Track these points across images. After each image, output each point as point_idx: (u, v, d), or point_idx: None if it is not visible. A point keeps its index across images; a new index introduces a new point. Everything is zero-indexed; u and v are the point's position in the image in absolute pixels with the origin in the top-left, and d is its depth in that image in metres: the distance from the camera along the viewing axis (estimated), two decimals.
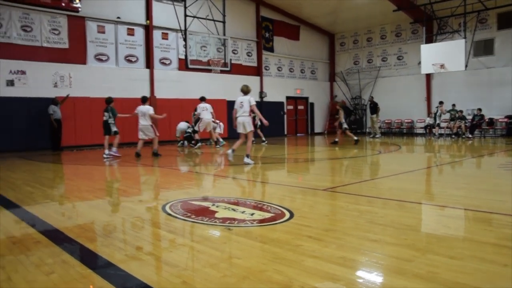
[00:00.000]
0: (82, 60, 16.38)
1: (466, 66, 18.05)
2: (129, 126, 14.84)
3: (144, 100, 12.14)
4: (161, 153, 12.35)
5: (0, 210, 5.24)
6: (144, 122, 11.85)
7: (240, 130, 9.78)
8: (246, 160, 9.61)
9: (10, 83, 14.59)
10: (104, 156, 11.81)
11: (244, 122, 9.65)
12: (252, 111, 9.71)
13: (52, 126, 14.74)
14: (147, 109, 11.92)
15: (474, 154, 12.02)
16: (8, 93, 14.48)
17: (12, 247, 3.56)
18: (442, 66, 18.29)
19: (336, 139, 15.74)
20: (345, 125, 15.74)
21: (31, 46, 15.15)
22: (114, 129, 12.07)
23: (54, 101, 14.87)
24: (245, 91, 9.76)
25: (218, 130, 15.86)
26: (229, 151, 10.00)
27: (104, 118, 12.05)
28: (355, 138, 15.35)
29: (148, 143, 13.23)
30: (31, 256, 3.32)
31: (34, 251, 3.45)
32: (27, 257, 3.29)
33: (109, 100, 12.15)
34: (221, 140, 15.73)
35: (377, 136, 20.18)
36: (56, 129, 14.87)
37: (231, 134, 19.92)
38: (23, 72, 14.86)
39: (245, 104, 9.56)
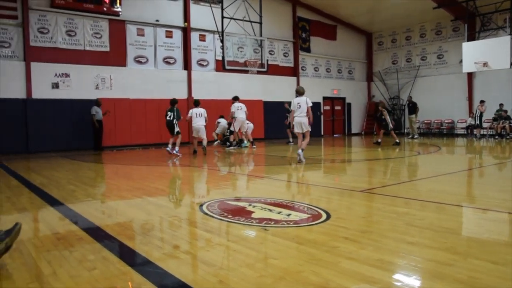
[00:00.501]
0: (122, 63, 16.82)
1: (511, 64, 17.35)
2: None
3: (197, 104, 13.22)
4: (197, 153, 12.78)
5: (45, 207, 5.47)
6: (200, 122, 12.86)
7: (298, 130, 10.08)
8: (300, 152, 9.94)
9: (55, 85, 15.18)
10: (174, 152, 12.69)
11: (302, 122, 9.95)
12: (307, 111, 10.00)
13: (94, 126, 15.21)
14: (204, 111, 12.99)
15: None
16: (53, 95, 15.07)
17: (57, 243, 3.71)
18: (485, 64, 17.63)
19: (379, 140, 15.44)
20: (391, 125, 15.57)
21: (75, 50, 15.70)
22: (176, 129, 12.75)
23: (97, 102, 15.34)
24: (301, 92, 10.20)
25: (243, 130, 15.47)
26: (299, 151, 10.05)
27: (169, 118, 12.76)
28: (397, 140, 15.06)
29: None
30: (74, 252, 3.44)
31: (77, 247, 3.58)
32: (70, 253, 3.42)
33: (174, 101, 12.95)
34: (245, 141, 15.70)
35: (415, 136, 19.66)
36: (98, 130, 15.33)
37: (268, 135, 20.06)
38: (67, 75, 15.42)
39: (302, 105, 9.91)
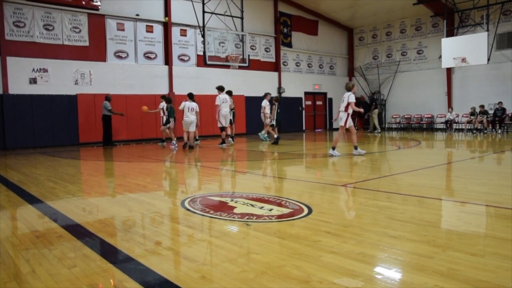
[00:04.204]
0: (102, 58, 16.58)
1: (488, 59, 17.68)
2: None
3: (191, 97, 13.20)
4: (178, 149, 12.98)
5: (24, 205, 5.37)
6: (191, 117, 12.95)
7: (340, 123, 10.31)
8: (356, 151, 10.24)
9: (33, 81, 14.87)
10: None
11: (341, 116, 10.19)
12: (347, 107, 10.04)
13: (106, 122, 15.13)
14: (196, 105, 13.12)
15: (496, 150, 11.79)
16: (31, 90, 14.76)
17: (36, 241, 3.64)
18: (463, 60, 17.93)
19: (275, 135, 14.31)
20: (273, 121, 14.54)
21: (53, 44, 15.40)
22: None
23: (107, 97, 15.22)
24: (346, 88, 10.28)
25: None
26: (332, 152, 10.27)
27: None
28: (274, 136, 14.28)
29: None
30: (54, 250, 3.39)
31: (57, 245, 3.52)
32: (50, 251, 3.37)
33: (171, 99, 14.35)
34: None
35: (376, 131, 20.95)
36: (110, 125, 15.20)
37: (249, 130, 20.04)
38: (45, 70, 15.13)
39: (344, 100, 10.06)
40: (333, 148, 10.30)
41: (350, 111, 10.02)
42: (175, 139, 14.14)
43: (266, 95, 15.36)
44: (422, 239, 3.45)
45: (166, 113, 14.42)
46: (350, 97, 9.95)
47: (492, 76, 19.95)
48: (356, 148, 10.35)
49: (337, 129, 24.89)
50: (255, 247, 3.37)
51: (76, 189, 6.71)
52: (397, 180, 6.89)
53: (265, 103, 14.98)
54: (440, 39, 19.35)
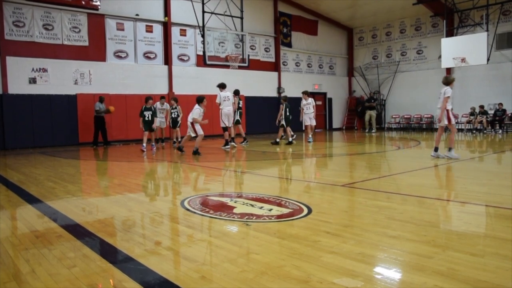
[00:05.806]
0: (102, 57, 16.58)
1: (488, 59, 17.69)
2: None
3: (198, 100, 11.49)
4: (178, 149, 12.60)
5: (23, 205, 5.36)
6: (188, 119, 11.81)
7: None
8: (449, 154, 9.18)
9: (32, 80, 14.86)
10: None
11: (437, 114, 9.48)
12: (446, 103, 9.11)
13: (96, 122, 15.10)
14: (194, 108, 11.46)
15: (496, 150, 11.79)
16: (31, 90, 14.76)
17: (36, 241, 3.64)
18: (463, 60, 17.94)
19: (277, 140, 14.32)
20: (282, 121, 14.22)
21: (52, 44, 15.40)
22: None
23: (100, 98, 15.26)
24: (444, 82, 9.41)
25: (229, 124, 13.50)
26: (434, 153, 9.45)
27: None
28: (277, 140, 14.25)
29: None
30: (54, 250, 3.39)
31: (57, 245, 3.52)
32: (49, 251, 3.36)
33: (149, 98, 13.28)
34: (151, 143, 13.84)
35: (373, 131, 21.47)
36: (100, 126, 15.19)
37: (249, 130, 20.01)
38: (45, 70, 15.12)
39: (440, 96, 9.19)
40: (436, 150, 9.39)
41: (449, 107, 9.15)
42: (146, 142, 12.92)
43: (307, 94, 15.51)
44: (421, 239, 3.45)
45: (148, 115, 13.01)
46: (446, 92, 9.04)
47: (492, 76, 19.96)
48: (450, 149, 9.19)
49: (337, 129, 25.07)
50: (255, 247, 3.37)
51: (76, 189, 6.71)
52: (397, 180, 6.89)
53: (303, 103, 15.17)
54: (440, 39, 19.36)
